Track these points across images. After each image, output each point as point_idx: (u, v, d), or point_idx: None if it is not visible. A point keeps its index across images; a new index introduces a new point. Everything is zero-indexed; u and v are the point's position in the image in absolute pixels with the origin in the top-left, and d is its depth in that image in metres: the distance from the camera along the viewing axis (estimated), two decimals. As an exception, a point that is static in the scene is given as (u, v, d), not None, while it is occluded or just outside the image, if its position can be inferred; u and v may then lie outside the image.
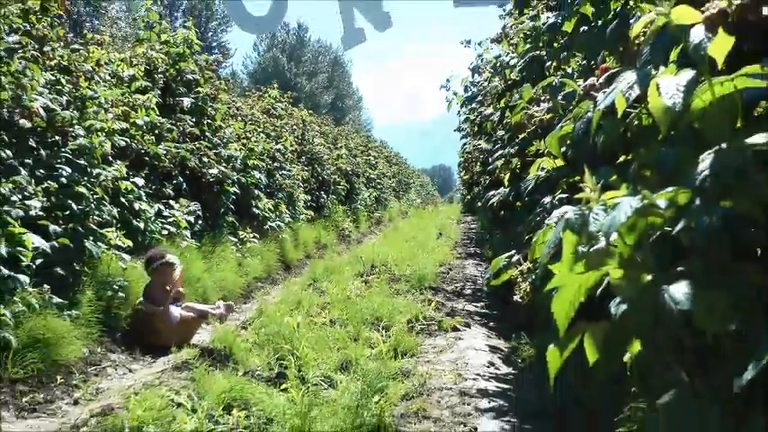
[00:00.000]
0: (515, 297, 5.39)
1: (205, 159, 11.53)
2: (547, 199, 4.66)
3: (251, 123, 15.44)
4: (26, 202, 6.55)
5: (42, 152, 7.32)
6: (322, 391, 6.09)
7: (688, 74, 1.83)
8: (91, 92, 8.45)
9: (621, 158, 2.85)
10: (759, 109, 1.99)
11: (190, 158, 11.07)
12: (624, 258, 2.04)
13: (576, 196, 2.25)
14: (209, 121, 12.56)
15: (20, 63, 6.94)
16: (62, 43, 8.35)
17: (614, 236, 1.98)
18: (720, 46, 1.82)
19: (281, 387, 6.16)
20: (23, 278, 6.09)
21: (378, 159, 33.30)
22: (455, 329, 8.41)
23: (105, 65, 9.80)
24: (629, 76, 2.07)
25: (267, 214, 14.01)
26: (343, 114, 71.15)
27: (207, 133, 12.30)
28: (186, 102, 11.91)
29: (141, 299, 7.94)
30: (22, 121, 6.84)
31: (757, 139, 1.68)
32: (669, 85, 1.83)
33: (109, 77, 9.87)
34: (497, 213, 8.54)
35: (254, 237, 12.89)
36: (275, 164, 15.60)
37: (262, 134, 15.63)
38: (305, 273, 13.03)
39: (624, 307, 1.95)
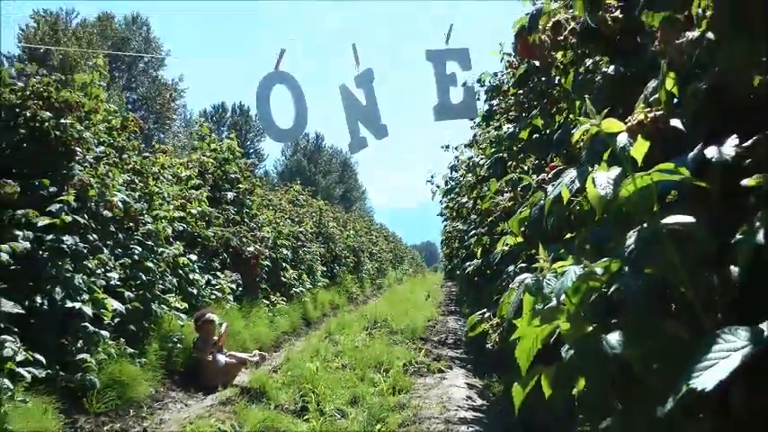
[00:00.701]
0: (488, 345, 5.35)
1: (244, 239, 11.56)
2: (510, 268, 4.66)
3: (279, 211, 15.50)
4: (107, 274, 6.73)
5: (120, 235, 7.44)
6: (336, 421, 6.09)
7: (616, 170, 1.86)
8: (157, 189, 8.57)
9: (567, 236, 2.86)
10: (670, 196, 2.01)
11: (232, 239, 11.11)
12: (571, 314, 2.05)
13: (534, 266, 2.27)
14: (247, 209, 12.65)
15: (104, 167, 7.06)
16: (136, 152, 8.47)
17: (563, 296, 1.99)
18: (639, 149, 1.85)
19: (304, 418, 6.17)
20: (105, 333, 6.22)
21: (378, 238, 33.30)
22: (441, 371, 8.35)
23: (168, 168, 9.92)
24: (572, 173, 2.10)
25: (292, 282, 13.98)
26: (351, 203, 71.35)
27: (245, 219, 12.35)
28: (230, 195, 12.02)
29: (193, 349, 7.95)
30: (105, 212, 6.93)
31: (669, 219, 1.70)
32: (602, 180, 1.86)
33: (171, 177, 9.96)
34: (472, 279, 8.51)
35: (282, 300, 12.85)
36: (298, 242, 15.59)
37: (288, 219, 15.68)
38: (322, 328, 12.94)
39: (572, 352, 1.96)
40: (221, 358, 7.95)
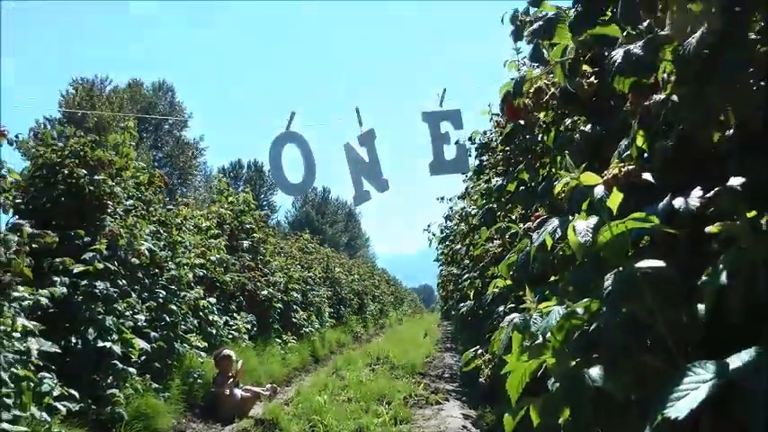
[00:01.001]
0: (481, 379, 5.30)
1: (258, 284, 11.56)
2: (501, 308, 4.65)
3: (290, 258, 15.48)
4: (135, 316, 6.74)
5: (146, 280, 7.46)
6: (344, 450, 6.01)
7: (594, 219, 1.87)
8: (180, 238, 8.59)
9: (551, 279, 2.86)
10: (643, 242, 2.03)
11: (248, 283, 11.12)
12: (556, 350, 2.05)
13: (521, 306, 2.27)
14: (261, 257, 12.64)
15: (133, 219, 7.10)
16: (161, 205, 8.51)
17: (548, 334, 2.00)
18: (614, 200, 1.87)
19: (314, 447, 6.08)
20: (132, 370, 6.24)
21: (380, 282, 33.16)
22: (438, 403, 8.27)
23: (190, 219, 9.95)
24: (554, 222, 2.11)
25: (302, 323, 13.90)
26: (356, 250, 71.22)
27: (260, 265, 12.33)
28: (245, 243, 12.04)
29: (212, 384, 7.90)
30: (133, 259, 6.97)
31: (643, 263, 1.71)
32: (582, 228, 1.87)
33: (192, 228, 9.99)
34: (466, 319, 8.47)
35: (293, 338, 12.78)
36: (308, 286, 15.56)
37: (298, 265, 15.66)
38: (330, 364, 12.83)
39: (557, 384, 1.96)
40: (238, 392, 7.90)
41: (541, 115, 3.57)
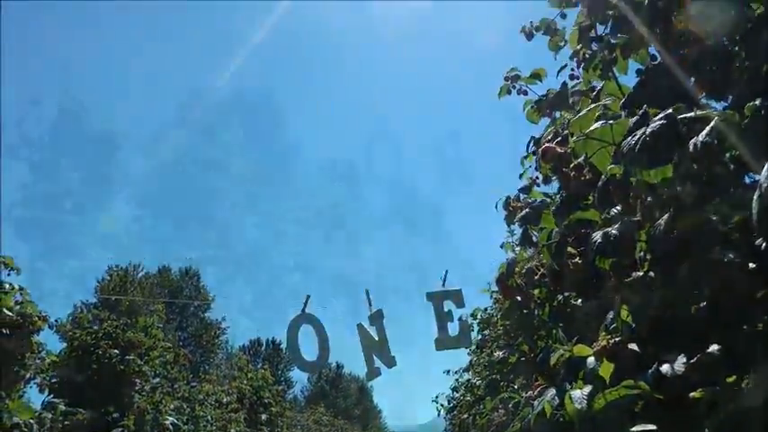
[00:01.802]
0: None
1: (276, 458, 11.19)
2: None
3: (306, 430, 15.06)
4: None
5: (171, 456, 7.19)
6: None
7: (588, 388, 1.88)
8: (202, 413, 8.48)
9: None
10: (637, 407, 2.02)
11: (265, 456, 10.76)
12: None
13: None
14: (278, 429, 12.37)
15: (159, 395, 7.05)
16: (185, 382, 8.47)
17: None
18: (605, 369, 1.88)
19: None
20: None
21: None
22: None
23: (212, 395, 9.85)
24: (552, 391, 2.12)
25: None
26: (368, 422, 68.87)
27: (278, 439, 12.03)
28: (263, 417, 11.88)
29: None
30: (157, 434, 6.80)
31: (637, 428, 1.70)
32: (577, 396, 1.88)
33: (213, 402, 9.86)
34: None
35: None
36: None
37: (314, 438, 15.20)
38: None
39: None
40: None
41: (536, 292, 3.63)
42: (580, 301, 2.97)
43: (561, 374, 2.49)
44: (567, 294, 3.19)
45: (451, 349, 4.57)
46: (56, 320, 5.40)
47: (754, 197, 1.41)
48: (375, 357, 4.44)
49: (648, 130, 1.77)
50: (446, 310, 4.50)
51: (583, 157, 2.45)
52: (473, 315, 7.10)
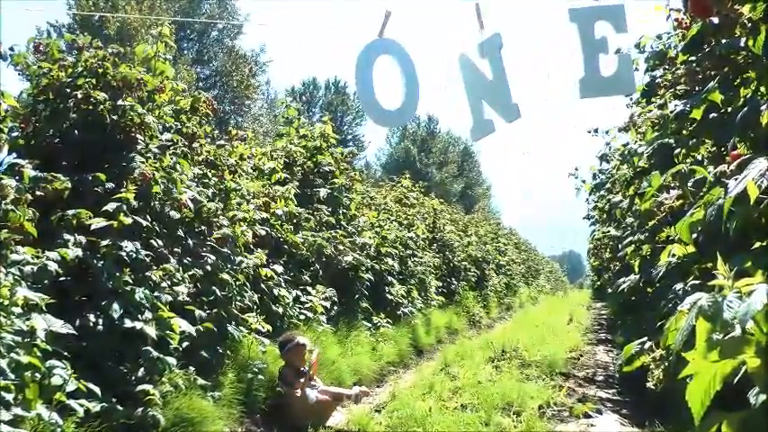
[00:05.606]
0: (649, 384, 5.22)
1: (340, 247, 11.62)
2: (678, 285, 4.55)
3: (384, 212, 15.57)
4: (174, 288, 6.69)
5: (189, 241, 7.48)
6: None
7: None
8: (234, 184, 8.65)
9: (756, 245, 2.74)
10: None
11: (326, 246, 11.15)
12: (762, 347, 1.95)
13: (709, 283, 2.18)
14: (344, 210, 12.74)
15: (171, 159, 7.18)
16: (209, 140, 8.60)
17: (750, 323, 1.90)
18: None
19: (414, 472, 6.11)
20: (171, 360, 6.14)
21: (507, 246, 33.08)
22: (587, 416, 8.19)
23: (248, 159, 10.06)
24: (762, 164, 2.01)
25: (400, 300, 13.99)
26: (473, 202, 71.09)
27: (342, 222, 12.45)
28: (323, 192, 12.13)
29: (278, 381, 7.98)
30: (172, 213, 7.03)
31: None
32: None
33: (251, 170, 10.11)
34: (628, 299, 8.36)
35: (388, 322, 12.82)
36: (407, 251, 15.62)
37: (394, 222, 15.74)
38: (436, 357, 12.92)
39: (764, 397, 1.87)
40: (311, 393, 7.94)
41: (746, 9, 3.43)
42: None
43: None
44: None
45: (603, 96, 4.48)
46: (10, 48, 5.40)
47: None
48: (486, 105, 4.40)
49: None
50: (598, 36, 4.36)
51: None
52: (639, 46, 6.90)
